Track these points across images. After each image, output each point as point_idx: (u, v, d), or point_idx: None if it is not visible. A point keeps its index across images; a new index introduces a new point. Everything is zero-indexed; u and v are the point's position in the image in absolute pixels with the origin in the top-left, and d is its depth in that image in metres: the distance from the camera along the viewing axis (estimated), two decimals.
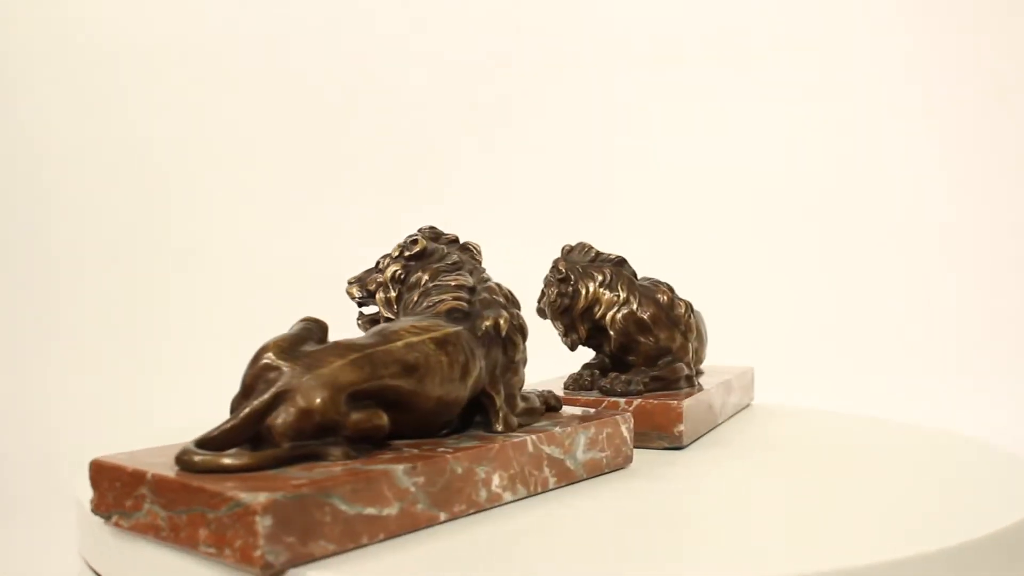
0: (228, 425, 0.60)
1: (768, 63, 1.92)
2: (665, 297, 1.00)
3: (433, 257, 0.77)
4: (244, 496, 0.52)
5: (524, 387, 0.81)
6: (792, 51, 1.92)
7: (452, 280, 0.73)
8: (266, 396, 0.61)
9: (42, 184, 1.63)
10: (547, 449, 0.71)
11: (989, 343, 1.76)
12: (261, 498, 0.52)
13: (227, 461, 0.58)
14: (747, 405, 1.19)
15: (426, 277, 0.75)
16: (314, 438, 0.61)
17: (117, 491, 0.59)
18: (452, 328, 0.68)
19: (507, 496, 0.68)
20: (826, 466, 0.86)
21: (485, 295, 0.73)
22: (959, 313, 1.79)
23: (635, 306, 0.98)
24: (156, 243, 1.69)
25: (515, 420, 0.72)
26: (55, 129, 1.64)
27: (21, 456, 1.42)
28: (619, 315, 0.98)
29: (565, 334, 1.00)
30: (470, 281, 0.73)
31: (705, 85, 1.93)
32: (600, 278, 0.99)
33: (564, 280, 0.98)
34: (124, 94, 1.68)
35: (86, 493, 0.62)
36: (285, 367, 0.62)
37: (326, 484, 0.55)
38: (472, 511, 0.65)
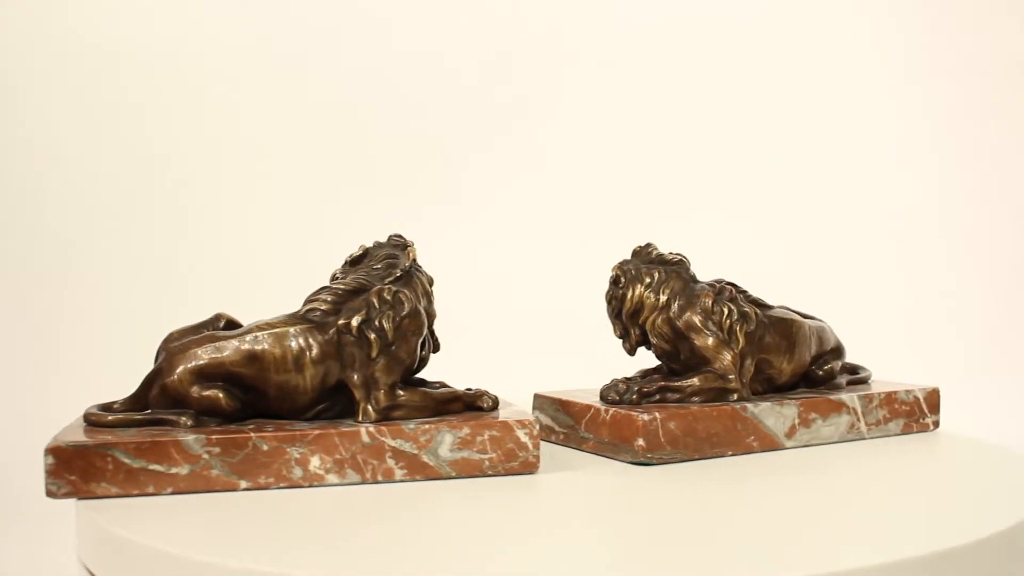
0: (129, 395, 0.80)
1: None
2: (708, 301, 0.91)
3: (372, 261, 0.85)
4: (51, 442, 0.72)
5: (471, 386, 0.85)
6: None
7: (336, 285, 0.81)
8: (149, 373, 0.79)
9: (54, 185, 1.60)
10: (391, 441, 0.76)
11: None
12: (52, 444, 0.71)
13: (107, 418, 0.77)
14: (914, 431, 0.98)
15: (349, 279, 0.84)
16: (174, 407, 0.78)
17: None
18: (291, 326, 0.78)
19: (332, 478, 0.75)
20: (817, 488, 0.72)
21: (366, 297, 0.80)
22: None
23: (673, 310, 0.92)
24: (167, 244, 1.65)
25: (376, 413, 0.78)
26: (65, 129, 1.61)
27: (21, 457, 1.37)
28: (658, 319, 0.92)
29: (621, 338, 0.97)
30: (355, 284, 0.81)
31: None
32: (648, 280, 0.94)
33: (615, 283, 0.96)
34: (128, 95, 1.65)
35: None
36: (169, 350, 0.79)
37: (112, 441, 0.71)
38: (284, 485, 0.74)
